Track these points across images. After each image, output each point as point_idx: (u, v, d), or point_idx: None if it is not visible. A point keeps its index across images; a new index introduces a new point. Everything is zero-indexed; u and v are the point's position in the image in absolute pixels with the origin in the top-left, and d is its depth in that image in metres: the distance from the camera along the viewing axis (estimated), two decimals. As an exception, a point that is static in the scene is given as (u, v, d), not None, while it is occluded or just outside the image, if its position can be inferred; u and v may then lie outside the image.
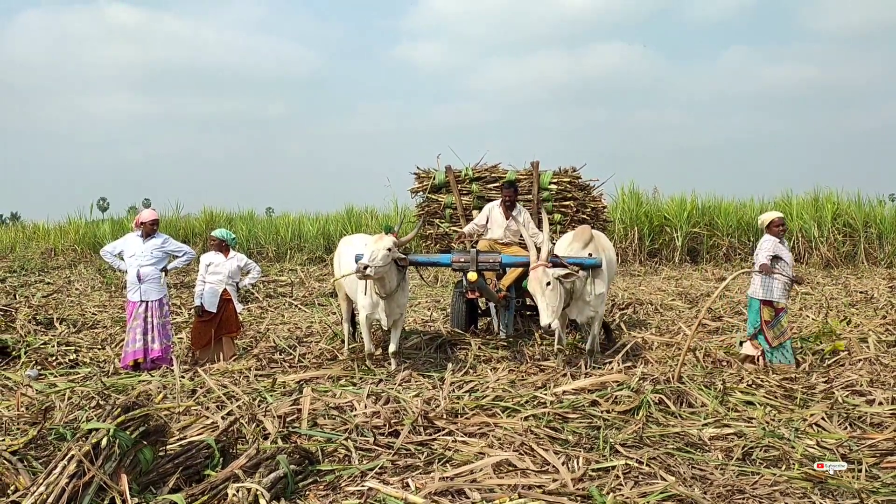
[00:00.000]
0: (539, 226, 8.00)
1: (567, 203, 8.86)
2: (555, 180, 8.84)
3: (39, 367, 6.95)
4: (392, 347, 6.97)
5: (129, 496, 3.37)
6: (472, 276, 6.48)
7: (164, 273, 7.43)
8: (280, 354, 7.85)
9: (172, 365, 6.98)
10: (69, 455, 3.32)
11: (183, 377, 6.22)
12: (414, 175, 9.51)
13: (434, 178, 9.12)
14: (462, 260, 6.66)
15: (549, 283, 6.02)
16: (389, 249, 6.32)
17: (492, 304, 8.56)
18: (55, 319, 9.80)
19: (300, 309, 12.09)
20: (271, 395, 5.75)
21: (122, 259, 7.41)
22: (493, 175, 9.05)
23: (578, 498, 2.96)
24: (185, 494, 3.55)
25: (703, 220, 21.03)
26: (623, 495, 3.57)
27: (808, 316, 9.84)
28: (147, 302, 7.26)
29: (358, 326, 7.33)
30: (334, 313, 11.17)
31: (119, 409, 3.59)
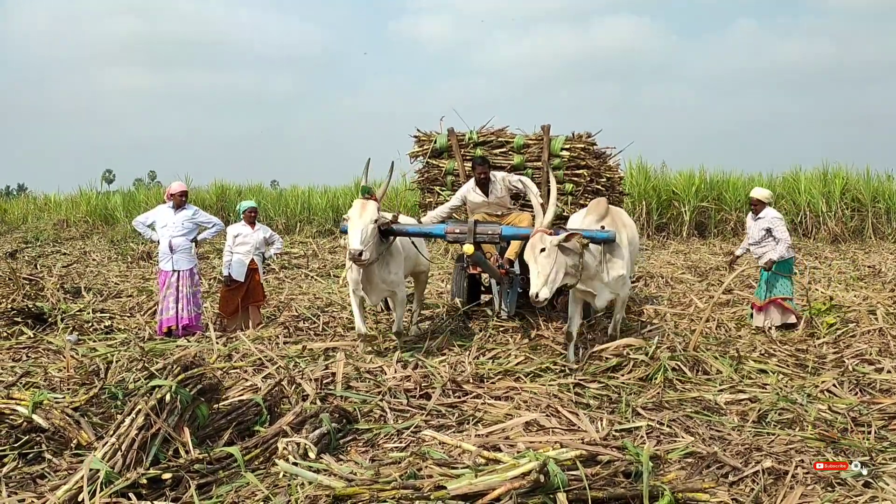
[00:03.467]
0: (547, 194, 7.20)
1: (580, 172, 7.98)
2: (567, 146, 7.97)
3: (78, 333, 7.22)
4: (394, 328, 6.60)
5: (191, 447, 3.63)
6: (469, 248, 5.96)
7: (194, 244, 7.67)
8: (304, 323, 8.12)
9: (204, 331, 7.25)
10: (137, 409, 3.58)
11: (217, 343, 6.48)
12: (414, 138, 8.68)
13: (435, 142, 8.28)
14: (458, 231, 6.11)
15: (543, 249, 5.37)
16: (375, 220, 5.78)
17: (493, 281, 8.00)
18: (83, 288, 10.08)
19: (317, 280, 12.34)
20: (302, 361, 6.03)
21: (154, 230, 7.64)
22: (499, 139, 8.21)
23: (614, 448, 3.20)
24: (240, 447, 3.81)
25: (711, 194, 21.13)
26: (652, 450, 3.82)
27: (817, 289, 10.05)
28: (179, 271, 7.51)
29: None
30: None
31: (179, 368, 3.84)
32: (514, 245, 6.98)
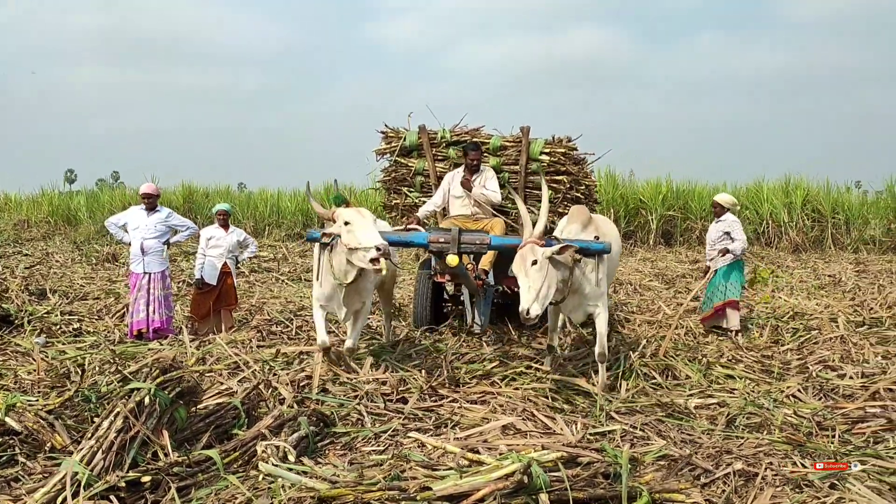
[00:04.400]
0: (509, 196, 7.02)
1: (560, 178, 7.60)
2: (547, 150, 7.55)
3: (46, 336, 7.11)
4: (348, 342, 5.88)
5: (170, 450, 3.62)
6: (453, 259, 5.42)
7: (166, 246, 7.60)
8: (277, 327, 8.09)
9: (176, 334, 7.20)
10: (116, 411, 3.56)
11: (191, 346, 6.44)
12: (381, 134, 8.08)
13: (404, 139, 7.75)
14: (441, 240, 5.52)
15: (534, 262, 4.92)
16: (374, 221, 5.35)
17: (465, 291, 7.51)
18: (48, 290, 9.91)
19: (288, 284, 12.30)
20: (277, 365, 6.01)
21: (126, 231, 7.56)
22: (474, 140, 7.62)
23: (594, 450, 3.27)
24: (219, 450, 3.80)
25: (678, 203, 21.50)
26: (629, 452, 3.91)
27: (780, 297, 10.29)
28: (150, 274, 7.43)
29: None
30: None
31: (157, 371, 3.83)
32: (489, 254, 6.61)
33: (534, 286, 4.87)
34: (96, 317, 8.54)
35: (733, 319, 7.69)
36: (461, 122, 7.91)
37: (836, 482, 3.62)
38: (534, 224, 5.27)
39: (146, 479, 3.39)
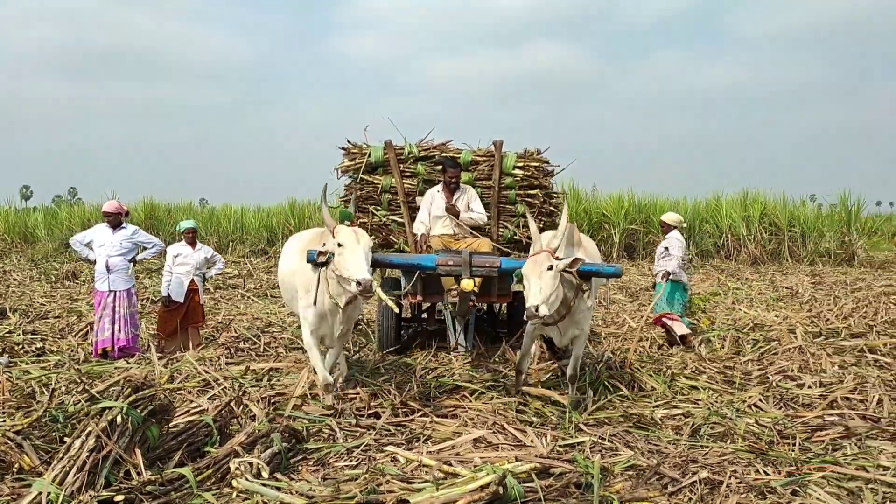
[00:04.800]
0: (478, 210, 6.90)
1: (534, 192, 7.48)
2: (520, 164, 7.43)
3: (8, 355, 6.97)
4: (337, 371, 5.61)
5: (143, 468, 3.60)
6: (469, 284, 5.14)
7: (132, 264, 7.52)
8: (245, 343, 8.05)
9: (143, 352, 7.12)
10: (88, 430, 3.53)
11: (158, 364, 6.38)
12: (343, 151, 7.77)
13: (369, 155, 7.45)
14: (451, 263, 5.24)
15: (550, 267, 4.75)
16: (371, 247, 4.96)
17: (447, 313, 7.15)
18: (7, 309, 9.72)
19: (253, 300, 12.22)
20: (246, 382, 5.99)
21: (91, 249, 7.46)
22: (443, 154, 7.51)
23: (566, 461, 3.35)
24: (192, 468, 3.79)
25: (640, 217, 21.87)
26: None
27: (740, 309, 10.54)
28: (115, 292, 7.34)
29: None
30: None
31: (130, 389, 3.81)
32: None
33: (545, 289, 4.72)
34: (59, 336, 8.40)
35: (677, 328, 7.94)
36: (428, 136, 7.75)
37: (797, 488, 3.75)
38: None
39: (119, 498, 3.37)
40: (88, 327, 8.28)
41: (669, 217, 8.76)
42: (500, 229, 7.49)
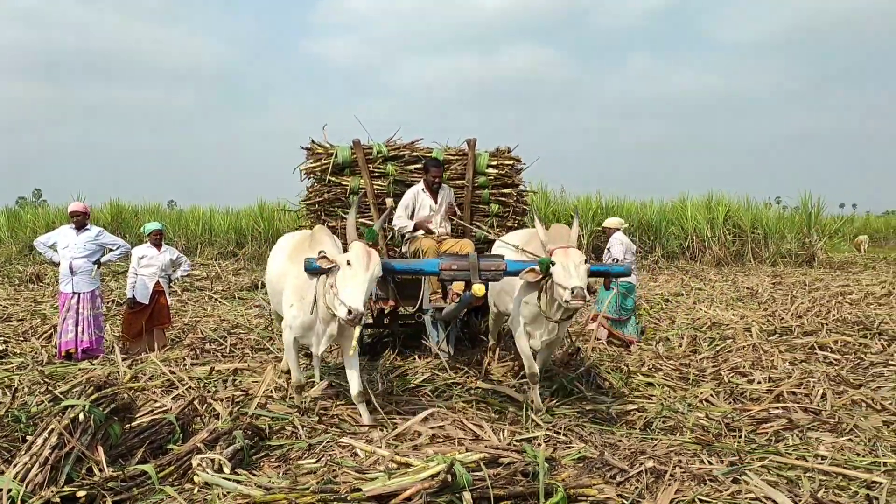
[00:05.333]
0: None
1: (507, 191, 7.43)
2: (494, 163, 7.35)
3: (-31, 358, 6.96)
4: (358, 387, 5.05)
5: (105, 465, 3.67)
6: (480, 289, 4.78)
7: (96, 265, 7.54)
8: (211, 345, 8.09)
9: (107, 354, 7.14)
10: (50, 428, 3.60)
11: (122, 365, 6.42)
12: (306, 150, 7.52)
13: (336, 156, 7.20)
14: (455, 268, 4.91)
15: (585, 261, 4.75)
16: (378, 276, 4.65)
17: (427, 318, 6.95)
18: (-30, 312, 9.65)
19: (221, 303, 12.23)
20: (211, 382, 6.06)
21: (56, 251, 7.47)
22: (413, 154, 7.36)
23: (514, 452, 3.49)
24: (154, 465, 3.87)
25: (607, 218, 22.17)
26: (548, 453, 4.15)
27: (700, 308, 10.81)
28: (79, 294, 7.36)
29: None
30: (257, 306, 11.42)
31: (92, 388, 3.88)
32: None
33: (583, 281, 4.65)
34: (22, 338, 8.37)
35: (602, 334, 8.32)
36: (395, 135, 7.59)
37: (737, 477, 3.93)
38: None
39: (81, 493, 3.43)
40: (52, 329, 8.27)
41: (610, 222, 9.06)
42: (474, 230, 7.38)
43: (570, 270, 4.68)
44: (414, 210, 6.93)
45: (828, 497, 3.68)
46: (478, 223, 7.49)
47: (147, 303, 7.80)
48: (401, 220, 6.97)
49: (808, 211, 22.95)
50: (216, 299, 12.53)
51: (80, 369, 6.45)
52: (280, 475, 3.92)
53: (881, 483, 3.71)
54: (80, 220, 7.49)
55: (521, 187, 7.74)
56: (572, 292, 4.59)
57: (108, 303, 10.89)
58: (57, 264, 7.52)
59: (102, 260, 7.63)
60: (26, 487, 3.35)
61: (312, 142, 7.51)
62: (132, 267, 7.88)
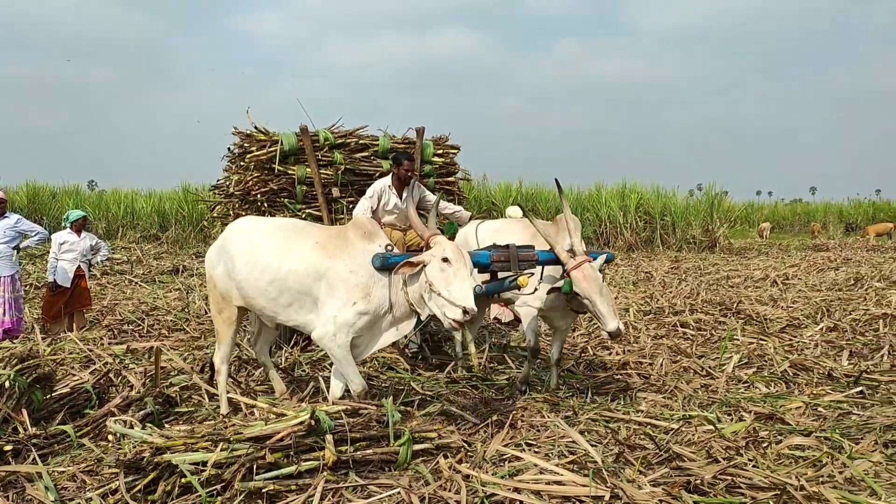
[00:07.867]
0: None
1: (450, 179, 7.47)
2: (439, 152, 7.33)
3: None
4: (360, 386, 4.57)
5: (28, 425, 4.29)
6: (525, 280, 4.68)
7: (16, 251, 7.97)
8: (129, 326, 8.62)
9: (29, 334, 7.61)
10: (-22, 394, 4.19)
11: (42, 343, 6.92)
12: (240, 136, 7.35)
13: (281, 143, 6.89)
14: (503, 259, 4.81)
15: (603, 276, 4.92)
16: None
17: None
18: None
19: (141, 286, 12.64)
20: (127, 359, 6.64)
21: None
22: (360, 142, 7.19)
23: (374, 405, 4.23)
24: (73, 426, 4.50)
25: (528, 205, 23.19)
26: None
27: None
28: (0, 278, 7.79)
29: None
30: (178, 289, 11.87)
31: (16, 360, 4.48)
32: None
33: (611, 303, 4.90)
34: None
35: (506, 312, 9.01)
36: (338, 122, 7.37)
37: (570, 418, 4.81)
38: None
39: (8, 448, 4.05)
40: (-26, 312, 8.64)
41: (510, 211, 9.74)
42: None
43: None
44: (379, 205, 6.52)
45: (633, 440, 4.57)
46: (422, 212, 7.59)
47: (69, 286, 8.27)
48: (362, 211, 6.47)
49: (711, 198, 24.48)
50: (136, 283, 12.92)
51: (1, 348, 6.93)
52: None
53: (675, 428, 4.63)
54: (0, 209, 7.90)
55: (458, 175, 7.81)
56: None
57: (26, 286, 11.21)
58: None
59: (21, 246, 8.06)
60: (-41, 442, 3.94)
61: (256, 127, 7.28)
62: (52, 252, 8.32)
